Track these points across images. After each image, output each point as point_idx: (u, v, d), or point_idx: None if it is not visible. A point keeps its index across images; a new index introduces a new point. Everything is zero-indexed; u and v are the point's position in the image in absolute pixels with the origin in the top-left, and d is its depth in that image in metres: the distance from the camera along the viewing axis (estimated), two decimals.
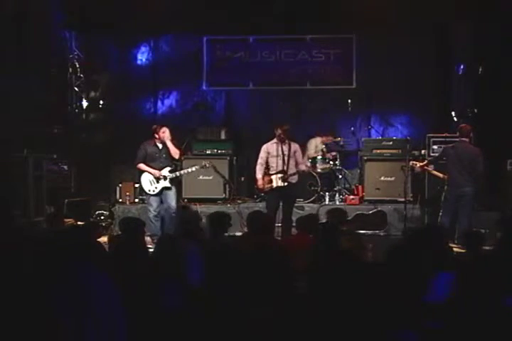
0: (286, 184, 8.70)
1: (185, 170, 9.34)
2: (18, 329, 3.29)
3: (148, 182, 8.97)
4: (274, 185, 8.69)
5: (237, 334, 3.42)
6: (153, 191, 8.95)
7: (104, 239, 6.61)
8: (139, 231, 5.50)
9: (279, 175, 8.67)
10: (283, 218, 8.63)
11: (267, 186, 8.78)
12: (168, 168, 9.01)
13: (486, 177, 9.04)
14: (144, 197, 9.59)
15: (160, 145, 9.05)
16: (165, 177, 8.93)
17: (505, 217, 6.66)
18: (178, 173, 9.14)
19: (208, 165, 9.49)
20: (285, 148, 8.74)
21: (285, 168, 8.68)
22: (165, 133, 8.97)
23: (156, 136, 9.01)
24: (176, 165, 9.47)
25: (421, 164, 9.13)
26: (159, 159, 9.03)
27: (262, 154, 8.86)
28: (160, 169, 8.96)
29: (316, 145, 11.13)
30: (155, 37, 12.18)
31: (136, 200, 10.72)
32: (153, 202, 8.96)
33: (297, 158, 8.88)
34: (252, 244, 4.57)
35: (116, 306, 3.48)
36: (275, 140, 8.79)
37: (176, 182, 9.23)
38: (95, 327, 3.35)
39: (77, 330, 3.31)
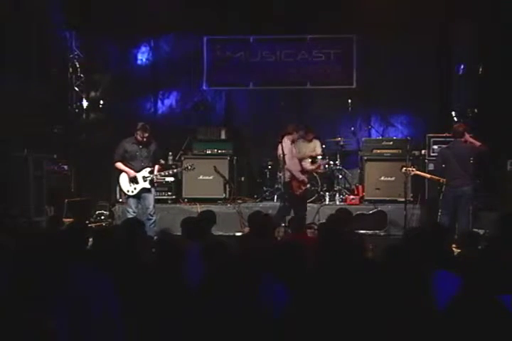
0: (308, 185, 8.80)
1: (166, 172, 8.91)
2: (15, 330, 3.29)
3: (127, 182, 8.51)
4: (303, 187, 8.74)
5: (236, 334, 3.42)
6: (132, 192, 8.50)
7: None
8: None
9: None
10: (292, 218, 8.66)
11: (300, 189, 8.73)
12: (148, 169, 8.51)
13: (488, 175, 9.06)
14: (123, 198, 9.18)
15: (140, 145, 8.56)
16: (144, 178, 8.48)
17: (504, 216, 6.63)
18: (158, 175, 8.62)
19: (190, 167, 9.11)
20: (294, 148, 8.77)
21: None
22: (143, 138, 8.44)
23: (135, 134, 8.52)
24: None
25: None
26: (139, 158, 8.53)
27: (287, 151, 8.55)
28: (139, 169, 8.51)
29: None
30: (155, 37, 12.17)
31: None
32: (132, 203, 8.52)
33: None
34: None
35: (115, 307, 3.48)
36: (286, 139, 8.70)
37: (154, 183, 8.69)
38: (93, 328, 3.35)
39: (75, 332, 3.31)
